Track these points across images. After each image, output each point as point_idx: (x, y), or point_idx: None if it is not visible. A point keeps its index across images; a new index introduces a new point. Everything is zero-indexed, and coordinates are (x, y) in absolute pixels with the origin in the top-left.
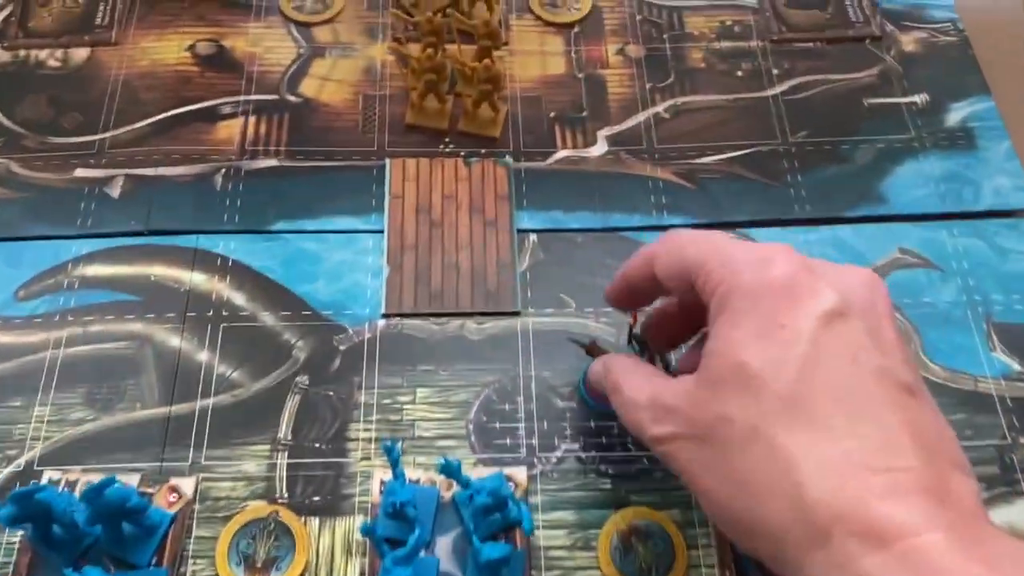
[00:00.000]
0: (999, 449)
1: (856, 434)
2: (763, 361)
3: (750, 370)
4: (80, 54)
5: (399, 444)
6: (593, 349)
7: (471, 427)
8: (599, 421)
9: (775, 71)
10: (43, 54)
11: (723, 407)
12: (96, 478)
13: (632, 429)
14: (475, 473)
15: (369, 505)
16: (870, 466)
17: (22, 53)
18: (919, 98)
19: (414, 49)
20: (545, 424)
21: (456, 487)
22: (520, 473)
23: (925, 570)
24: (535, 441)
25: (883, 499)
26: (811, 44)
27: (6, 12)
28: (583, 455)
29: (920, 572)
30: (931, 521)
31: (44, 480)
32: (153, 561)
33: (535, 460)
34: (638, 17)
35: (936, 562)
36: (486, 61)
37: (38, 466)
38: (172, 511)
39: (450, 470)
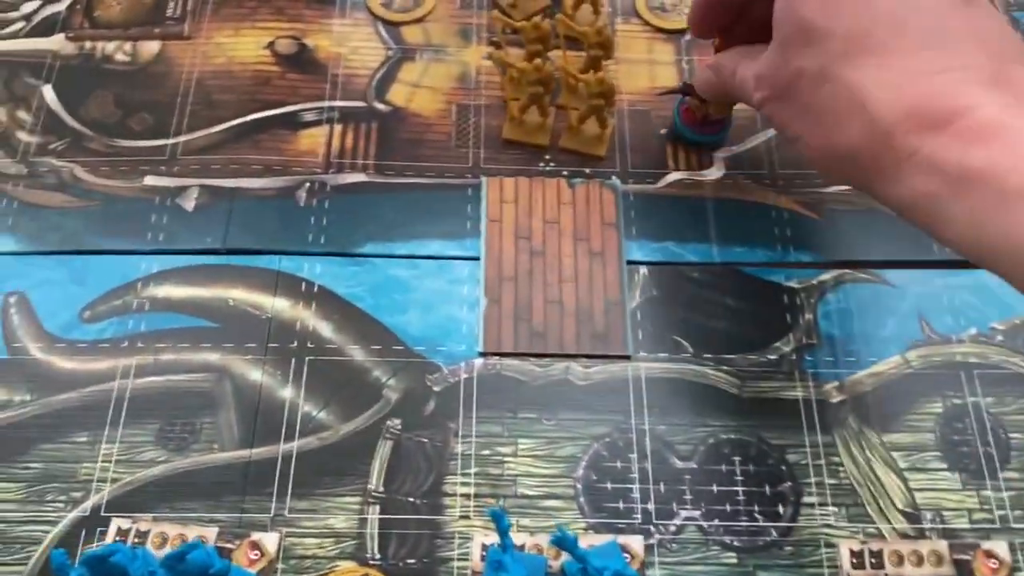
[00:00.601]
0: None
1: (915, 49)
2: (820, 10)
3: (810, 23)
4: (150, 48)
5: (507, 515)
6: (689, 88)
7: (579, 486)
8: (722, 486)
9: None
10: (110, 47)
11: (795, 63)
12: (168, 529)
13: (746, 103)
14: (585, 539)
15: (469, 572)
16: (929, 71)
17: (88, 45)
18: None
19: (515, 56)
20: (662, 487)
21: (566, 557)
22: (636, 542)
23: (979, 139)
24: (651, 506)
25: (940, 93)
26: None
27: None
28: (705, 524)
29: (975, 141)
30: (987, 101)
31: (112, 528)
32: None
33: (652, 528)
34: None
35: (990, 129)
36: (599, 73)
37: (105, 512)
38: (254, 571)
39: (566, 544)
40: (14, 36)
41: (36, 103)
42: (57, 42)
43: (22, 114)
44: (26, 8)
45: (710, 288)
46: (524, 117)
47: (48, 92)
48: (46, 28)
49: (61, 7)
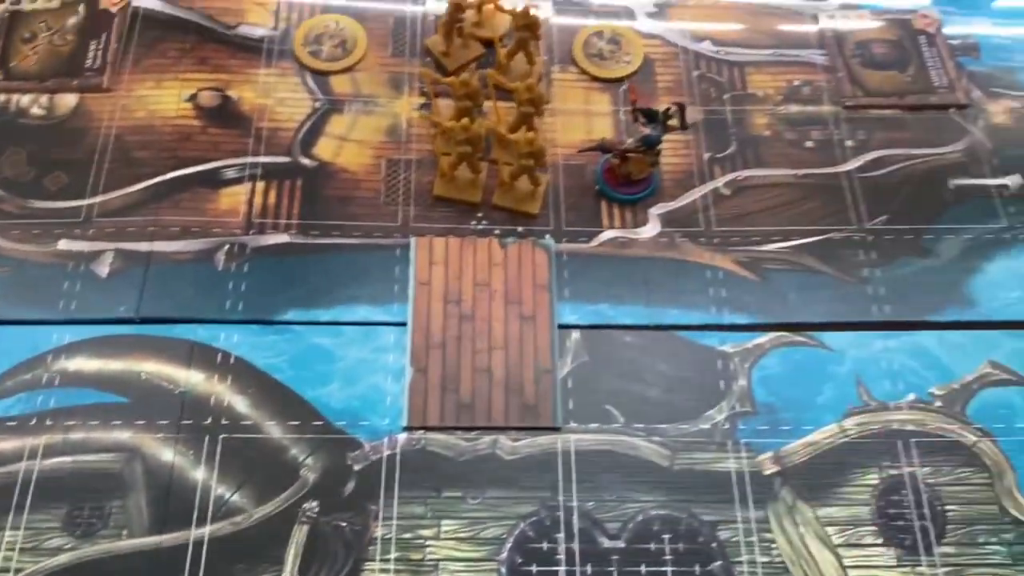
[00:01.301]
0: None
1: None
2: None
3: None
4: (67, 101)
5: None
6: (605, 145)
7: (504, 570)
8: (651, 566)
9: (849, 142)
10: (26, 100)
11: None
12: None
13: None
14: None
15: None
16: None
17: (2, 98)
18: (1011, 180)
19: (445, 112)
20: (589, 568)
21: None
22: None
23: None
24: None
25: None
26: (889, 111)
27: None
28: None
29: None
30: None
31: None
32: None
33: None
34: (695, 73)
35: None
36: (529, 134)
37: None
38: None
39: None
40: None
41: None
42: None
43: None
44: None
45: (643, 352)
46: (455, 174)
47: None
48: None
49: None
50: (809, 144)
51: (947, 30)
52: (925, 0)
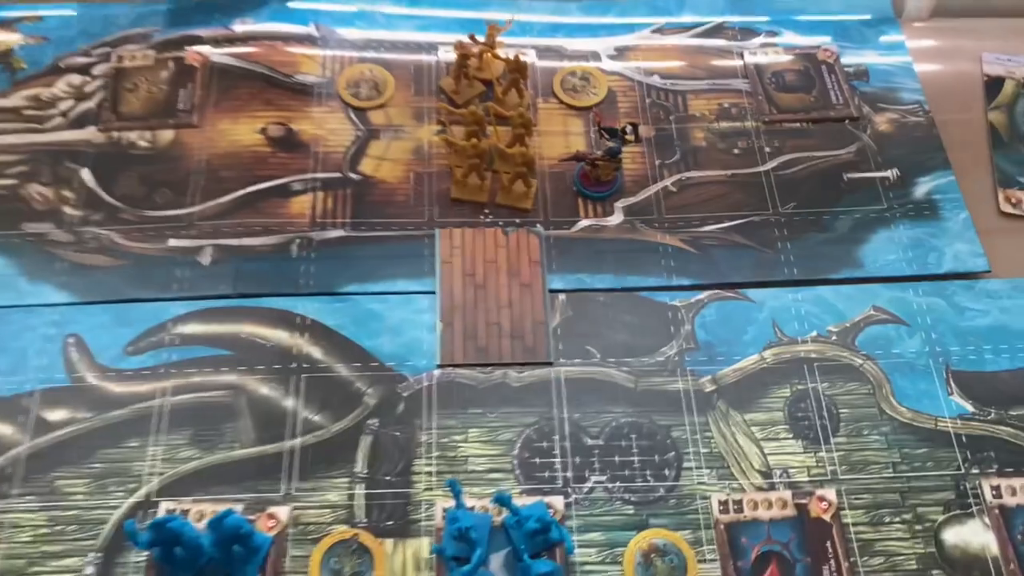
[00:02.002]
0: (955, 478)
1: None
2: None
3: None
4: (166, 136)
5: (460, 485)
6: (580, 156)
7: (516, 462)
8: (622, 457)
9: (767, 149)
10: (133, 135)
11: None
12: (205, 508)
13: None
14: (519, 500)
15: (434, 529)
16: None
17: (115, 135)
18: (891, 173)
19: (458, 134)
20: (577, 459)
21: (506, 513)
22: (558, 501)
23: None
24: (569, 474)
25: None
26: (798, 124)
27: (99, 97)
28: (610, 486)
29: None
30: None
31: (161, 509)
32: None
33: (570, 490)
34: (647, 100)
35: None
36: (522, 149)
37: (155, 497)
38: (271, 535)
39: (503, 501)
40: (55, 129)
41: (77, 183)
42: (90, 133)
43: (67, 193)
44: (62, 106)
45: (613, 309)
46: (467, 181)
47: (86, 174)
48: (80, 122)
49: (91, 104)
50: (736, 151)
51: (844, 60)
52: (826, 38)
